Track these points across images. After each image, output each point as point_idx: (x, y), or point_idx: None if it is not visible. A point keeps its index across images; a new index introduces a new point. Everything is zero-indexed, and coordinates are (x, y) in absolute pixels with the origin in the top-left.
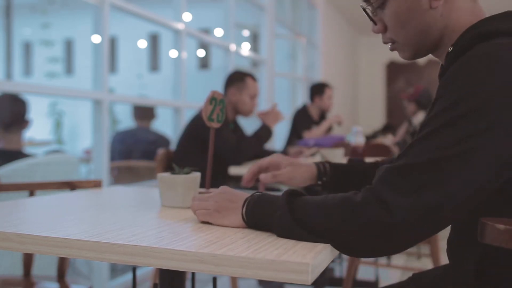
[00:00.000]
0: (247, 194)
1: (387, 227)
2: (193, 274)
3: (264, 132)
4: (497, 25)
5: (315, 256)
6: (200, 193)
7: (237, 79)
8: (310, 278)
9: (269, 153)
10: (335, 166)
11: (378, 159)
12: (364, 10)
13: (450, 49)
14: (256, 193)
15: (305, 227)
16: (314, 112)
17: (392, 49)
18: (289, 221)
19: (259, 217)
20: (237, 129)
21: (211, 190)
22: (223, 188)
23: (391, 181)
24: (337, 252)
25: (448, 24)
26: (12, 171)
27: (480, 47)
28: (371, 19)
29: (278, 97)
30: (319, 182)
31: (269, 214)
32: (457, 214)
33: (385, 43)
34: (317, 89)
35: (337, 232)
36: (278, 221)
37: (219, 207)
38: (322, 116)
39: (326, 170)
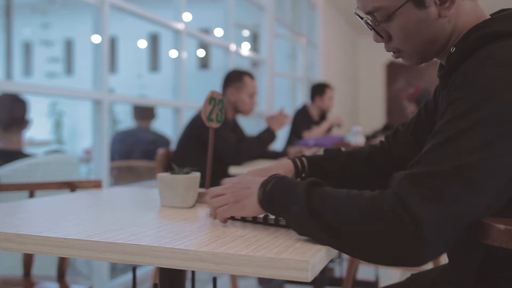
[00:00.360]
0: (264, 178)
1: (413, 237)
2: (193, 273)
3: (267, 135)
4: (502, 27)
5: (315, 254)
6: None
7: (235, 79)
8: (310, 276)
9: (272, 154)
10: (312, 159)
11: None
12: (366, 23)
13: (453, 49)
14: (275, 176)
15: (322, 224)
16: (314, 112)
17: (396, 57)
18: (306, 217)
19: (276, 205)
20: (236, 128)
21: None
22: (238, 177)
23: (417, 190)
24: (336, 251)
25: (454, 28)
26: (12, 171)
27: (488, 49)
28: (375, 31)
29: (278, 97)
30: (298, 179)
31: (286, 205)
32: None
33: (389, 51)
34: (318, 89)
35: (355, 235)
36: (294, 215)
37: (236, 197)
38: (322, 116)
39: (304, 166)
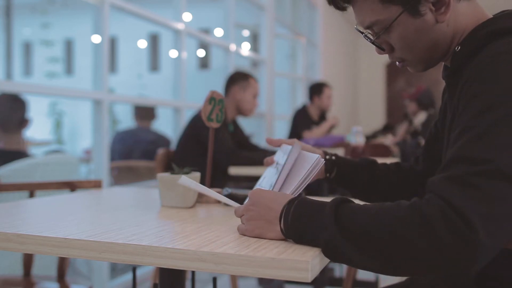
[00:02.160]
0: (282, 198)
1: (466, 238)
2: (193, 273)
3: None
4: (509, 23)
5: (315, 254)
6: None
7: (241, 78)
8: (310, 276)
9: (272, 154)
10: (341, 157)
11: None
12: (365, 35)
13: (458, 48)
14: (295, 200)
15: (357, 244)
16: (313, 112)
17: (401, 66)
18: (339, 241)
19: (301, 231)
20: (236, 129)
21: (214, 189)
22: (253, 198)
23: (464, 190)
24: None
25: (455, 31)
26: (12, 171)
27: (500, 44)
28: (375, 45)
29: (278, 97)
30: (327, 157)
31: (315, 232)
32: None
33: (394, 61)
34: (316, 89)
35: (398, 249)
36: (326, 241)
37: (254, 225)
38: (322, 116)
39: (332, 154)
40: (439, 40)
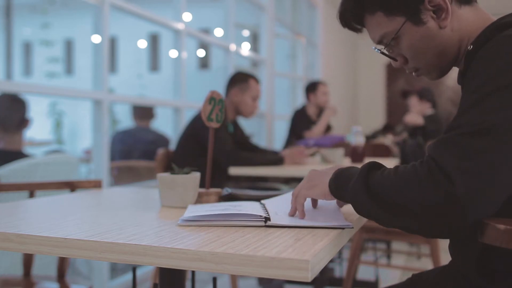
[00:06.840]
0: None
1: (449, 194)
2: (193, 273)
3: (275, 160)
4: None
5: (315, 254)
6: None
7: (240, 79)
8: (310, 276)
9: (271, 153)
10: None
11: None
12: (381, 52)
13: (470, 47)
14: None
15: (375, 197)
16: (312, 111)
17: (417, 75)
18: (361, 188)
19: (339, 184)
20: (236, 129)
21: (212, 190)
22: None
23: (447, 149)
24: (337, 250)
25: (461, 35)
26: (12, 171)
27: (502, 34)
28: (390, 57)
29: (278, 97)
30: None
31: (347, 181)
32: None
33: (410, 72)
34: (310, 87)
35: (398, 202)
36: (352, 187)
37: (311, 179)
38: (320, 114)
39: None
40: (446, 45)
